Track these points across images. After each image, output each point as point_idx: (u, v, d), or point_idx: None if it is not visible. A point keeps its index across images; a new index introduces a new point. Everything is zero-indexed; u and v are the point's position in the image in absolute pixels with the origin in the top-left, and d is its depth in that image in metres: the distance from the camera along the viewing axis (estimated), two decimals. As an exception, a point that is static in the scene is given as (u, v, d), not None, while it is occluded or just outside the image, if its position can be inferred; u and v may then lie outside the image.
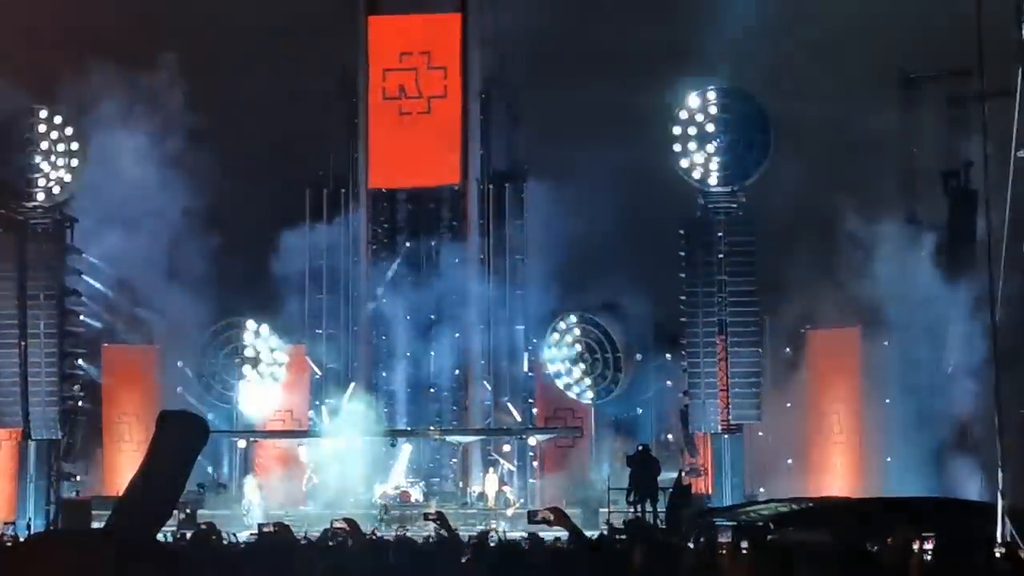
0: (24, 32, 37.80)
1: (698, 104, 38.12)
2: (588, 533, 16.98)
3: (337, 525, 12.28)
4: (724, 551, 15.23)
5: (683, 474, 35.03)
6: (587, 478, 39.63)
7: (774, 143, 37.63)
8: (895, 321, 37.96)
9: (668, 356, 40.93)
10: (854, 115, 37.62)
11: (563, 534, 14.12)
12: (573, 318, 41.50)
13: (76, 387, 39.30)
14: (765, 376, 38.57)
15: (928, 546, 13.07)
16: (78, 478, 39.73)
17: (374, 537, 13.23)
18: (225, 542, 14.90)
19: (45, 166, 38.68)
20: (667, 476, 33.87)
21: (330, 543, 12.08)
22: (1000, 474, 22.74)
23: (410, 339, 41.97)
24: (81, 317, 39.53)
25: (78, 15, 38.52)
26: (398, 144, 41.48)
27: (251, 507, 37.41)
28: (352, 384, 41.53)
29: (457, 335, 41.67)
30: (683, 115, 38.12)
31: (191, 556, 10.79)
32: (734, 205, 38.15)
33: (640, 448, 34.04)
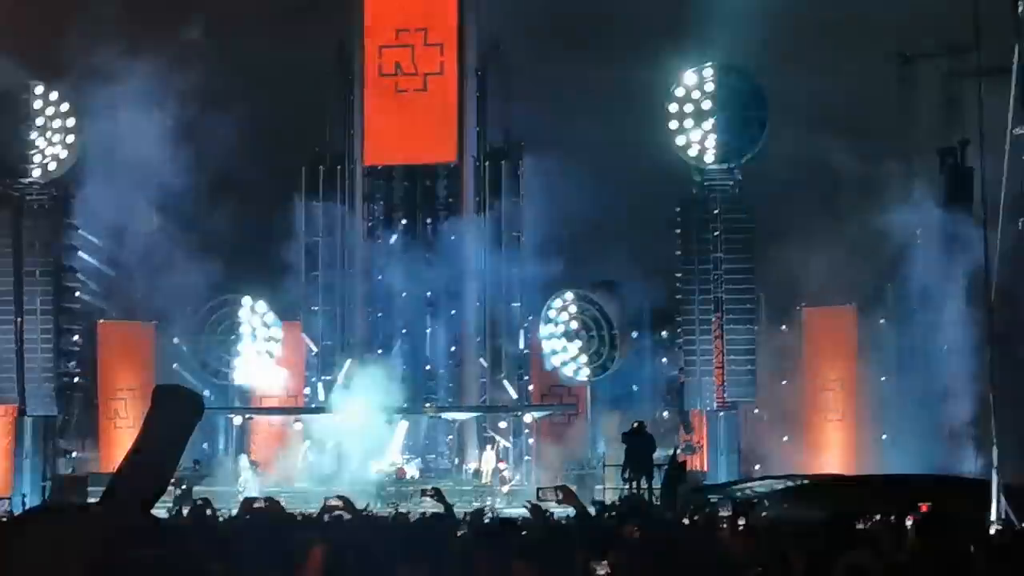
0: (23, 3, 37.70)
1: (695, 81, 38.23)
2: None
3: (331, 502, 12.24)
4: (722, 526, 15.24)
5: (678, 451, 35.05)
6: (583, 455, 39.67)
7: (770, 121, 37.64)
8: (891, 298, 37.99)
9: (664, 333, 40.94)
10: (851, 93, 37.59)
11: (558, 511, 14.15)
12: (569, 295, 41.38)
13: (72, 363, 39.33)
14: (761, 353, 38.60)
15: (923, 522, 13.06)
16: (74, 454, 39.80)
17: (369, 514, 13.23)
18: (221, 519, 14.90)
19: (41, 142, 38.72)
20: (662, 453, 33.91)
21: (325, 518, 12.06)
22: (995, 451, 22.78)
23: (406, 316, 41.91)
24: (77, 294, 39.56)
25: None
26: (394, 121, 41.31)
27: (246, 484, 37.41)
28: (348, 361, 41.47)
29: (453, 312, 41.61)
30: (679, 92, 38.25)
31: (186, 532, 10.79)
32: (730, 183, 38.20)
33: (636, 425, 34.05)
